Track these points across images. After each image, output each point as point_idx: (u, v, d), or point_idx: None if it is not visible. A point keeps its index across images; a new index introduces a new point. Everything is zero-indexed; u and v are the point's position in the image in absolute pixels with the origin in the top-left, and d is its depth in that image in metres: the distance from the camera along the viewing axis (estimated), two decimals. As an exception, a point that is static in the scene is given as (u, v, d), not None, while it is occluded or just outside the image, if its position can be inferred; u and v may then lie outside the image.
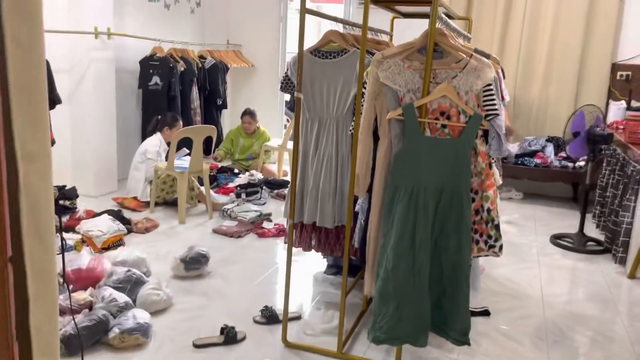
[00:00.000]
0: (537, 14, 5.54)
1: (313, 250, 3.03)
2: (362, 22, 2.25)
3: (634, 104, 5.32)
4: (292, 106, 3.00)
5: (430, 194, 2.21)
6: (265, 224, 4.25)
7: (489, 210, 2.27)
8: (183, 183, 4.31)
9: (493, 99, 2.23)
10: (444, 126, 2.23)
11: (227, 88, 6.19)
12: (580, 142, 4.19)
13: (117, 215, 3.97)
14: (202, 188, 4.63)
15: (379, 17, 4.00)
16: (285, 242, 3.06)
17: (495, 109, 2.22)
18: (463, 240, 2.22)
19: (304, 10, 2.28)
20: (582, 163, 5.35)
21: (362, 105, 2.35)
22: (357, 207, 2.53)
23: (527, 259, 3.90)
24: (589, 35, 5.41)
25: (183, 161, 4.55)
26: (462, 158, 2.20)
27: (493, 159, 2.29)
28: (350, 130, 2.56)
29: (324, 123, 2.80)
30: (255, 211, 4.41)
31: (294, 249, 2.94)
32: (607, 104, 5.47)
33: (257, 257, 3.70)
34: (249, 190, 4.95)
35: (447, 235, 2.24)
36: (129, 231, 3.99)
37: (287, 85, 2.91)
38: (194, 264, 3.27)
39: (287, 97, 6.21)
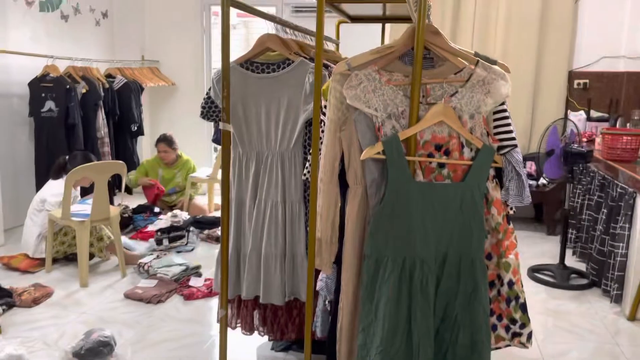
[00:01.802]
0: (486, 20, 5.07)
1: (256, 333, 2.25)
2: (304, 26, 1.53)
3: (593, 114, 4.96)
4: (219, 138, 2.22)
5: (429, 266, 1.51)
6: (193, 281, 3.41)
7: (510, 284, 1.59)
8: (83, 235, 3.38)
9: (508, 124, 1.56)
10: (441, 165, 1.54)
11: (142, 111, 5.28)
12: (555, 162, 3.68)
13: (-9, 287, 2.99)
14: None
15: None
16: (218, 321, 2.25)
17: (513, 138, 1.56)
18: (479, 330, 1.53)
19: (227, 3, 1.51)
20: (544, 181, 4.89)
21: (321, 139, 1.61)
22: (319, 285, 1.78)
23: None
24: (543, 42, 5.00)
25: (86, 206, 3.62)
26: (470, 210, 1.51)
27: (511, 208, 1.62)
28: (305, 176, 1.81)
29: (263, 160, 2.04)
30: (180, 264, 3.55)
31: (232, 329, 2.15)
32: (566, 114, 5.06)
33: (183, 332, 2.84)
34: (172, 234, 4.08)
35: (455, 322, 1.54)
36: (10, 306, 3.02)
37: (210, 110, 2.13)
38: (92, 358, 2.38)
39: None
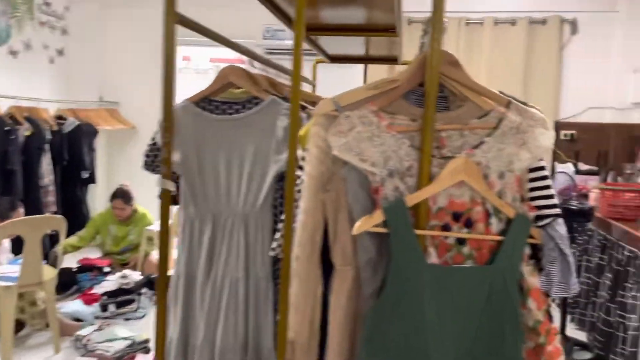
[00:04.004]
0: (468, 69, 4.82)
1: None
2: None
3: (581, 166, 4.69)
4: (167, 195, 1.77)
5: (448, 384, 1.07)
6: (140, 358, 2.86)
7: (557, 406, 1.15)
8: (7, 302, 2.82)
9: (548, 186, 1.17)
10: (461, 242, 1.13)
11: (95, 157, 4.79)
12: (553, 219, 3.33)
13: None
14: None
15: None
16: None
17: (554, 205, 1.17)
18: None
19: (171, 14, 1.11)
20: (533, 237, 4.56)
21: (297, 202, 1.19)
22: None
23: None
24: (528, 90, 4.76)
25: (16, 267, 3.06)
26: (502, 303, 1.10)
27: (554, 300, 1.21)
28: (275, 251, 1.37)
29: (222, 223, 1.59)
30: (125, 338, 2.99)
31: None
32: (553, 167, 4.79)
33: None
34: (121, 299, 3.53)
35: None
36: None
37: (156, 159, 1.70)
38: None
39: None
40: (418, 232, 1.08)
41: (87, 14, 5.31)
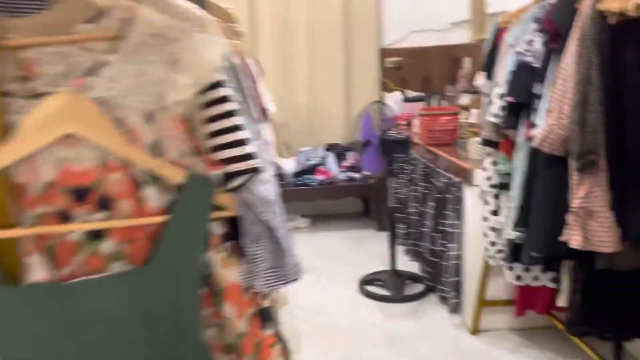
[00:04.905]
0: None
1: None
2: None
3: (409, 94, 4.56)
4: None
5: None
6: None
7: None
8: None
9: (236, 127, 0.74)
10: (96, 235, 0.68)
11: None
12: (373, 154, 3.10)
13: None
14: None
15: None
16: None
17: (248, 156, 0.75)
18: None
19: None
20: (367, 172, 4.39)
21: None
22: None
23: (344, 338, 2.61)
24: (350, 19, 4.44)
25: None
26: (169, 324, 0.68)
27: (266, 296, 0.82)
28: None
29: None
30: None
31: None
32: (382, 97, 4.61)
33: None
34: None
35: None
36: None
37: None
38: None
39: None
40: (-13, 235, 0.60)
41: None
